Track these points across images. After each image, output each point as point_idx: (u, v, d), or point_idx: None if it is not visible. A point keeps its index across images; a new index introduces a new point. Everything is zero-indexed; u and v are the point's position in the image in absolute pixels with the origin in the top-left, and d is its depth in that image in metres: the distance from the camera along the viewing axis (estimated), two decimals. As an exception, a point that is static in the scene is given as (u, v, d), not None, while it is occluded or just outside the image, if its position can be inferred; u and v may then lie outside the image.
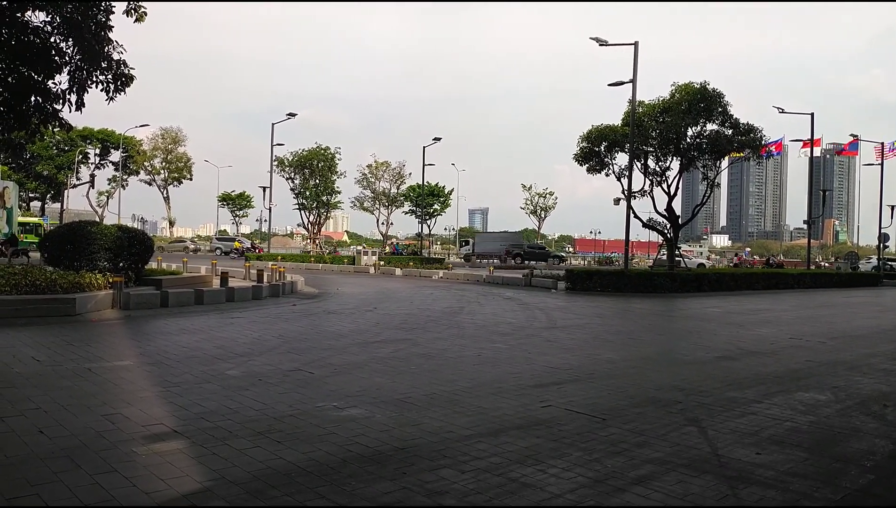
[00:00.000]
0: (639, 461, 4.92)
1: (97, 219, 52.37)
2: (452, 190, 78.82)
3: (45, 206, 68.73)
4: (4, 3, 13.10)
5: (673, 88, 29.65)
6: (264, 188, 53.56)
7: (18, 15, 13.30)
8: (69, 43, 13.69)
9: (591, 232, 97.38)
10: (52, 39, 13.67)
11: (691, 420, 6.17)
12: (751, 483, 4.51)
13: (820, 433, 5.87)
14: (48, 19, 13.60)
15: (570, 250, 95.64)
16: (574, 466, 4.76)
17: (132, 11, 13.85)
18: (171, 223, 79.57)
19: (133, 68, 14.48)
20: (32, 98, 13.92)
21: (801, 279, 32.01)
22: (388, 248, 61.89)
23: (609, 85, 27.16)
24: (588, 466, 4.77)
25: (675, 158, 30.33)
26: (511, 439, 5.38)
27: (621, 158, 30.91)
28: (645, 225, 32.36)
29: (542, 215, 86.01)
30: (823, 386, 8.05)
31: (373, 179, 66.89)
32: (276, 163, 55.53)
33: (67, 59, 13.75)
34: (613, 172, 31.18)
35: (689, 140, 29.42)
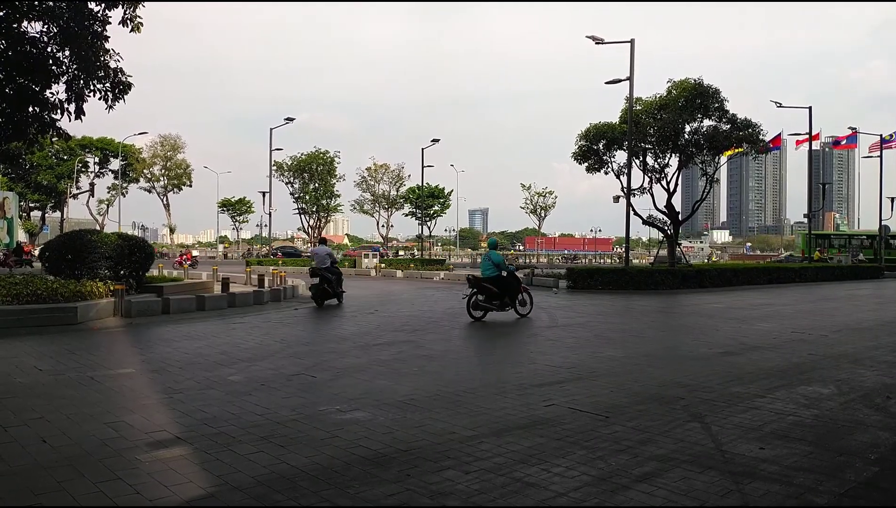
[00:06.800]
0: (642, 458, 4.91)
1: (98, 227, 52.36)
2: (452, 191, 79.06)
3: (46, 215, 68.80)
4: (1, 13, 13.13)
5: (669, 84, 29.63)
6: (264, 193, 53.71)
7: (15, 26, 13.34)
8: (66, 53, 13.72)
9: (591, 230, 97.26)
10: (48, 49, 13.71)
11: (694, 416, 6.17)
12: (755, 478, 4.50)
13: (823, 427, 5.86)
14: (44, 30, 13.63)
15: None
16: (578, 464, 4.75)
17: (128, 21, 13.89)
18: (172, 230, 79.69)
19: (131, 76, 14.54)
20: (30, 108, 13.96)
21: (802, 273, 32.00)
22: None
23: (606, 83, 27.23)
24: (592, 464, 4.76)
25: (673, 154, 30.25)
26: (514, 438, 5.38)
27: (620, 156, 30.87)
28: (645, 222, 32.28)
29: (542, 215, 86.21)
30: (826, 380, 8.04)
31: (372, 182, 67.03)
32: (275, 168, 55.64)
33: (65, 68, 13.79)
34: (612, 170, 31.12)
35: (686, 136, 29.38)
